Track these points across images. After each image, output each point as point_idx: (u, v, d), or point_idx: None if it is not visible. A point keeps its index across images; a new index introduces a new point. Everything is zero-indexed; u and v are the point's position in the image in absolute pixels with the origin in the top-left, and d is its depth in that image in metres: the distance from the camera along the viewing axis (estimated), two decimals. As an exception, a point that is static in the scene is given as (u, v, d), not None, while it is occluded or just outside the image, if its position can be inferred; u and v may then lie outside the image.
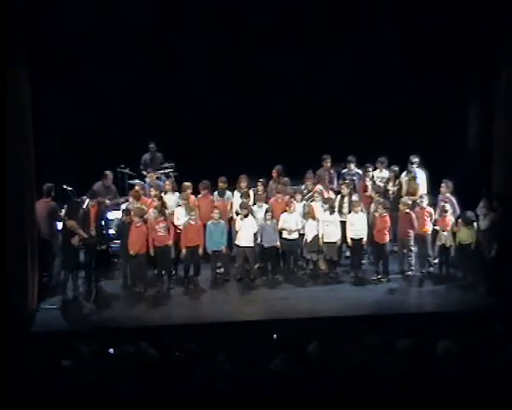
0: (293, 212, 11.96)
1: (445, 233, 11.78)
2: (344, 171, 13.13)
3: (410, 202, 12.00)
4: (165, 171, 13.53)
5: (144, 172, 13.29)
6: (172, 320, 11.01)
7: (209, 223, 11.88)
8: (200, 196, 12.38)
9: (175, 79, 13.56)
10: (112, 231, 12.11)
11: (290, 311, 11.08)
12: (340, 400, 7.30)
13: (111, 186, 12.61)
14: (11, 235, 10.72)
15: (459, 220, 11.71)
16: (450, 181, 12.17)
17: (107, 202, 12.20)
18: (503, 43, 11.40)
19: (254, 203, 12.30)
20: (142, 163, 13.64)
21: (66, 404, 7.28)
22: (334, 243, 11.99)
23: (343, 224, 12.03)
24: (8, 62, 10.37)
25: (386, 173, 12.86)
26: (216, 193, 12.48)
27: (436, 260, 12.18)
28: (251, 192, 12.43)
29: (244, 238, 11.90)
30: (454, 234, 11.74)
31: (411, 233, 11.90)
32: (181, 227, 11.78)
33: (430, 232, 11.97)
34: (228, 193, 12.51)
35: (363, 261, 12.34)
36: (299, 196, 12.23)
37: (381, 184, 12.66)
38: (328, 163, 13.06)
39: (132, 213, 11.61)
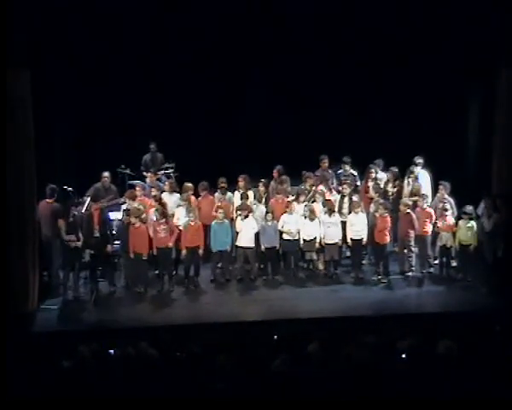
0: (294, 213, 11.97)
1: (446, 234, 11.81)
2: (340, 172, 13.13)
3: (410, 203, 12.03)
4: (166, 171, 13.53)
5: (145, 173, 13.31)
6: (173, 321, 11.01)
7: (213, 223, 11.93)
8: (200, 197, 12.39)
9: (175, 80, 13.55)
10: (113, 232, 12.12)
11: (290, 311, 11.12)
12: (340, 399, 7.34)
13: (111, 187, 12.61)
14: (12, 235, 10.77)
15: (459, 221, 11.73)
16: (448, 183, 12.18)
17: (105, 203, 12.16)
18: (503, 44, 11.41)
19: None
20: (142, 164, 13.65)
21: (67, 404, 7.31)
22: (336, 243, 12.03)
23: (343, 224, 12.06)
24: (9, 62, 10.40)
25: (382, 175, 12.85)
26: (218, 193, 12.49)
27: (436, 261, 12.20)
28: (251, 192, 12.45)
29: (244, 239, 11.94)
30: (454, 234, 11.77)
31: (412, 234, 11.92)
32: (181, 228, 11.80)
33: (430, 233, 11.98)
34: (229, 194, 12.53)
35: (364, 262, 12.38)
36: (302, 197, 12.23)
37: (382, 186, 12.67)
38: (325, 163, 13.07)
39: (134, 214, 11.64)
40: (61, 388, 7.68)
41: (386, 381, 7.65)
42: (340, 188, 12.59)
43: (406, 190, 12.54)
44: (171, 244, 11.71)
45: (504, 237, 11.41)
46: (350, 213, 12.09)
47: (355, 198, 12.26)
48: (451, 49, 13.09)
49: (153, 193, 12.36)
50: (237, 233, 12.01)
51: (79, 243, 11.39)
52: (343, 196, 12.38)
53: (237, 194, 12.52)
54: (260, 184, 12.52)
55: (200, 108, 13.83)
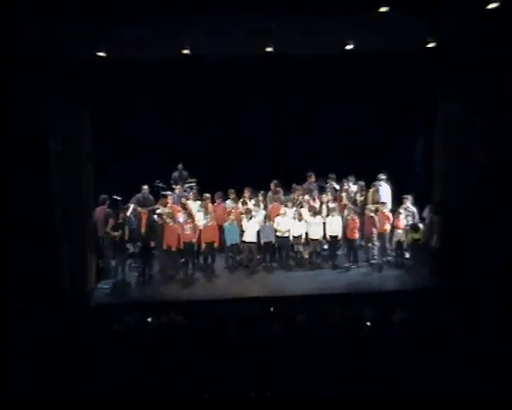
0: (285, 216, 11.98)
1: (400, 231, 11.85)
2: (327, 185, 13.09)
3: (373, 208, 12.03)
4: (190, 184, 13.53)
5: (174, 186, 13.31)
6: (195, 296, 10.99)
7: (226, 224, 11.91)
8: (215, 203, 12.39)
9: (197, 118, 13.22)
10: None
11: (283, 290, 11.08)
12: (320, 361, 7.39)
13: (149, 196, 12.62)
14: (76, 233, 10.82)
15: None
16: (411, 195, 12.09)
17: (139, 208, 12.10)
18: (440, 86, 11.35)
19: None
20: (172, 179, 13.63)
21: (118, 365, 7.34)
22: (318, 239, 12.03)
23: (323, 224, 12.01)
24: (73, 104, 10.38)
25: (354, 187, 12.89)
26: (229, 201, 12.47)
27: (393, 252, 12.19)
28: (253, 201, 12.37)
29: (249, 235, 11.93)
30: (406, 232, 11.80)
31: (375, 231, 11.93)
32: (201, 227, 11.85)
33: (388, 231, 12.00)
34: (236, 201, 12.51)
35: (339, 252, 12.31)
36: (290, 204, 12.23)
37: (352, 195, 12.70)
38: (311, 178, 13.05)
39: (164, 216, 11.68)
40: (112, 347, 7.75)
41: (354, 343, 7.71)
42: (321, 197, 12.55)
43: (370, 198, 12.55)
44: (194, 240, 11.71)
45: (441, 233, 11.42)
46: (328, 215, 12.10)
47: (332, 205, 12.29)
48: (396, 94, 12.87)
49: (182, 201, 12.41)
50: (243, 231, 12.01)
51: (124, 238, 11.42)
52: (322, 203, 12.40)
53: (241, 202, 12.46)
54: (260, 194, 12.50)
55: (215, 138, 13.65)
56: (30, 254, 9.71)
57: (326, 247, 12.39)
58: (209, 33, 8.98)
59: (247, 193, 12.56)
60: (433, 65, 10.82)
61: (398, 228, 11.84)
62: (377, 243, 12.04)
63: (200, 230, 11.79)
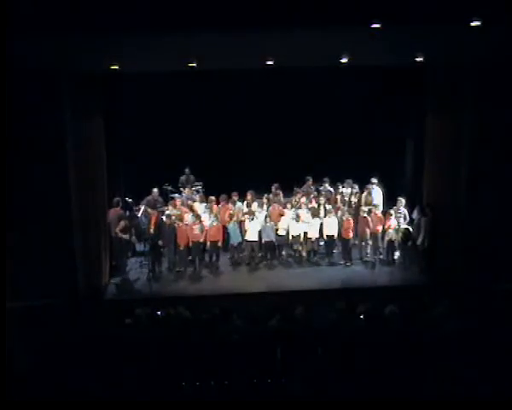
0: (285, 217, 11.98)
1: (391, 231, 11.83)
2: (321, 188, 13.11)
3: (366, 210, 12.02)
4: (197, 188, 13.52)
5: (182, 189, 13.31)
6: (201, 291, 11.00)
7: (230, 224, 11.93)
8: (220, 205, 12.39)
9: (205, 129, 13.20)
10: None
11: (283, 285, 11.08)
12: (317, 349, 7.37)
13: (158, 199, 12.62)
14: (91, 233, 10.87)
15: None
16: (403, 198, 12.04)
17: (149, 210, 12.13)
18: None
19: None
20: (180, 182, 13.62)
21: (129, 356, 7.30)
22: (315, 238, 12.01)
23: (320, 224, 12.01)
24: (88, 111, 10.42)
25: (349, 190, 12.87)
26: (240, 203, 12.39)
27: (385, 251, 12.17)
28: (255, 203, 12.36)
29: (251, 235, 11.91)
30: (397, 232, 11.77)
31: (368, 231, 11.92)
32: (207, 227, 11.84)
33: (380, 231, 11.98)
34: (239, 203, 12.48)
35: (334, 251, 12.30)
36: (289, 205, 12.22)
37: (346, 198, 12.69)
38: (309, 182, 13.03)
39: (174, 217, 11.66)
40: (123, 339, 7.73)
41: (348, 335, 7.69)
42: (318, 199, 12.55)
43: (363, 201, 12.54)
44: (201, 239, 11.67)
45: (430, 233, 11.41)
46: (325, 216, 12.09)
47: (328, 207, 12.27)
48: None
49: (189, 203, 12.40)
50: (246, 231, 12.01)
51: (133, 238, 11.41)
52: (319, 205, 12.40)
53: (245, 204, 12.50)
54: (264, 197, 12.45)
55: (220, 145, 13.59)
56: (46, 253, 10.04)
57: (322, 243, 12.29)
58: (211, 47, 9.01)
59: (249, 196, 12.54)
60: (421, 76, 10.92)
61: (390, 229, 11.79)
62: (370, 242, 12.02)
63: (206, 229, 11.78)
